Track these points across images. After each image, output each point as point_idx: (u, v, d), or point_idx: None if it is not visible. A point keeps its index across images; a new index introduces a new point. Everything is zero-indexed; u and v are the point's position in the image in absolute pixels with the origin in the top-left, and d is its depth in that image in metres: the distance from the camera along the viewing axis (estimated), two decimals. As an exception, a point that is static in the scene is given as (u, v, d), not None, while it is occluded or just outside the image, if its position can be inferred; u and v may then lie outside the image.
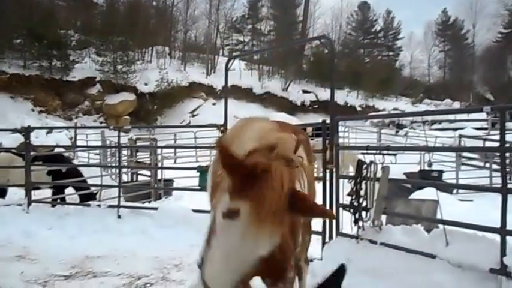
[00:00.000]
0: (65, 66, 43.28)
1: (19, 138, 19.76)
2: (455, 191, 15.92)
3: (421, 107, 60.47)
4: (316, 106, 57.06)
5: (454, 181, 17.77)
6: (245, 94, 53.52)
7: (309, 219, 4.90)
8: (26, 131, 11.98)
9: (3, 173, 12.68)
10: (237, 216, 2.58)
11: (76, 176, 13.00)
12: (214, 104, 50.01)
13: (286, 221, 2.65)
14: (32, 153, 12.12)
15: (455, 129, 30.12)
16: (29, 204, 11.35)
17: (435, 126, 37.89)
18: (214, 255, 2.69)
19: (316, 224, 5.44)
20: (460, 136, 21.66)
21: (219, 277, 2.62)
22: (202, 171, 10.42)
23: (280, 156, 2.73)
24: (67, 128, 31.39)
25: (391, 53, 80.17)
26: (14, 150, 13.64)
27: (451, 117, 37.69)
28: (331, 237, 7.86)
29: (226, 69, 10.52)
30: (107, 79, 45.28)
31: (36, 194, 12.57)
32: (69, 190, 13.48)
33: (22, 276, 7.08)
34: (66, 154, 15.89)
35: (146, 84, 47.27)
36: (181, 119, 46.08)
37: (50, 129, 27.78)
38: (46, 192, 13.62)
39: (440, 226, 6.46)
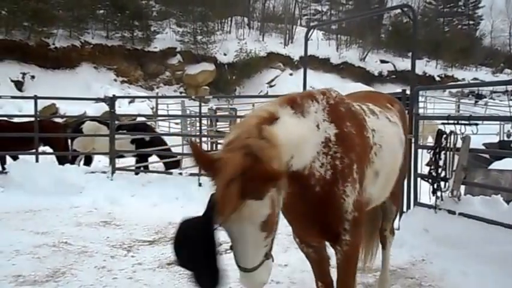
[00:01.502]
0: (147, 37, 44.16)
1: (102, 108, 20.36)
2: (535, 162, 15.44)
3: (502, 77, 58.55)
4: (393, 76, 56.06)
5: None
6: (322, 64, 52.96)
7: (395, 190, 4.82)
8: (111, 101, 12.34)
9: (89, 141, 13.14)
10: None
11: (160, 145, 13.33)
12: (291, 74, 49.94)
13: (259, 192, 2.65)
14: (116, 122, 12.49)
15: (536, 100, 29.14)
16: (113, 172, 11.76)
17: (515, 96, 36.66)
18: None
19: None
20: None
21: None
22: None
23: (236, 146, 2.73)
24: (149, 97, 32.05)
25: (471, 22, 77.01)
26: (98, 119, 14.09)
27: (532, 87, 36.45)
28: (409, 207, 7.88)
29: (306, 40, 10.51)
30: (187, 49, 45.93)
31: (120, 162, 12.97)
32: (152, 158, 13.87)
33: (107, 240, 7.39)
34: (148, 123, 16.27)
35: (225, 55, 47.76)
36: (258, 89, 46.19)
37: (133, 99, 28.51)
38: (129, 161, 14.05)
39: (521, 197, 6.37)
